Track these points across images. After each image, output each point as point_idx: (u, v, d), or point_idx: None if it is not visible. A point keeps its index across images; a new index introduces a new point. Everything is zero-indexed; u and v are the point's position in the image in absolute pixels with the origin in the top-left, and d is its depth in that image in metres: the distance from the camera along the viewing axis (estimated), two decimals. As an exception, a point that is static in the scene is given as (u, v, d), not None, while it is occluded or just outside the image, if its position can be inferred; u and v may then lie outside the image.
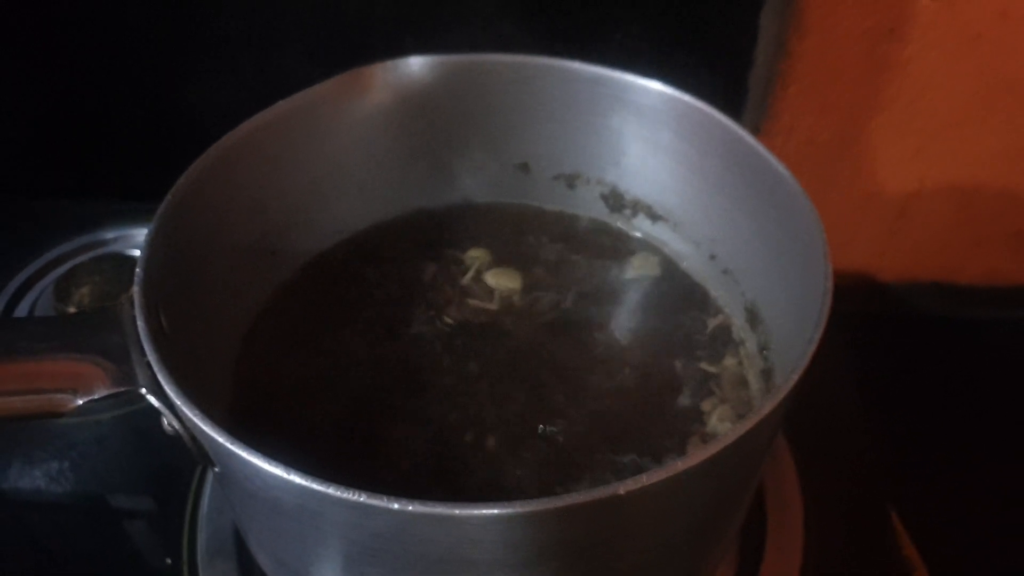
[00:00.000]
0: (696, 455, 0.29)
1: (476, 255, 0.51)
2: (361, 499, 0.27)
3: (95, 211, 0.66)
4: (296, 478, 0.28)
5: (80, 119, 0.68)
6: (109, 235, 0.65)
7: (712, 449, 0.29)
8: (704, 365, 0.45)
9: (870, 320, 0.71)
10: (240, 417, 0.42)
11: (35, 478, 0.50)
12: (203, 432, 0.30)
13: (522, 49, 0.49)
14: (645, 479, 0.28)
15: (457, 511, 0.27)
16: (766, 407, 0.30)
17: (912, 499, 0.50)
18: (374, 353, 0.45)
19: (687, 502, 0.32)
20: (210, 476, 0.49)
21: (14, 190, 0.70)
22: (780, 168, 0.40)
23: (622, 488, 0.27)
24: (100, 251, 0.64)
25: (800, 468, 0.49)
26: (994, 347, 0.74)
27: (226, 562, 0.46)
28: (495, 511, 0.27)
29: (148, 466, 0.51)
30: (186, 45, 0.62)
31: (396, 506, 0.27)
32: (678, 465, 0.28)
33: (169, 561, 0.47)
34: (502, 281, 0.49)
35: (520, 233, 0.52)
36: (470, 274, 0.50)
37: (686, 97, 0.45)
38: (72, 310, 0.60)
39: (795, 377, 0.31)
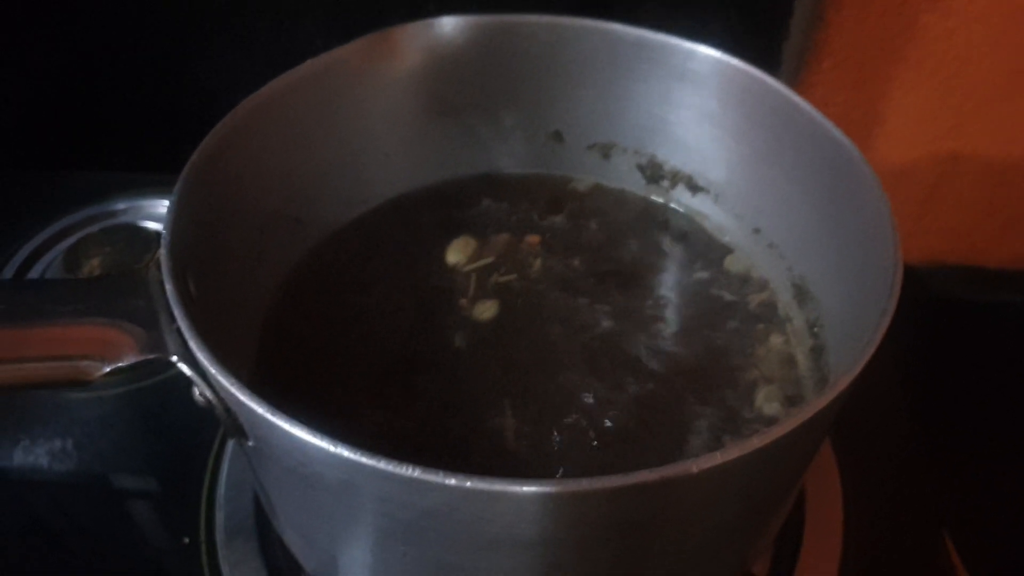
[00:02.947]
0: (770, 432, 0.27)
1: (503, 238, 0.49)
2: (415, 474, 0.25)
3: (105, 181, 0.64)
4: (344, 451, 0.26)
5: (90, 89, 0.66)
6: (120, 206, 0.63)
7: (787, 426, 0.27)
8: (749, 343, 0.43)
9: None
10: (263, 385, 0.40)
11: (38, 456, 0.49)
12: (240, 402, 0.28)
13: (552, 10, 0.47)
14: (720, 456, 0.26)
15: (521, 488, 0.25)
16: (841, 382, 0.28)
17: (956, 507, 0.49)
18: (402, 324, 0.44)
19: (750, 483, 0.30)
20: (227, 454, 0.48)
21: (23, 161, 0.68)
22: (841, 138, 0.38)
23: (695, 466, 0.26)
24: (110, 222, 0.62)
25: (840, 464, 0.47)
26: (1020, 331, 0.72)
27: (246, 542, 0.44)
28: (562, 488, 0.25)
29: (154, 445, 0.50)
30: (199, 12, 0.60)
31: (452, 481, 0.25)
32: (753, 442, 0.26)
33: (187, 540, 0.45)
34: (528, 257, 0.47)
35: (552, 205, 0.50)
36: (499, 248, 0.48)
37: (736, 61, 0.43)
38: (82, 282, 0.58)
39: (870, 351, 0.29)
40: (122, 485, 0.49)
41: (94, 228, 0.61)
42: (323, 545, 0.35)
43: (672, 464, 0.26)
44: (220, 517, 0.46)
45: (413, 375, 0.41)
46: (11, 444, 0.49)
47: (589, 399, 0.40)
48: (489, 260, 0.47)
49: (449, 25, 0.47)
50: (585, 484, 0.25)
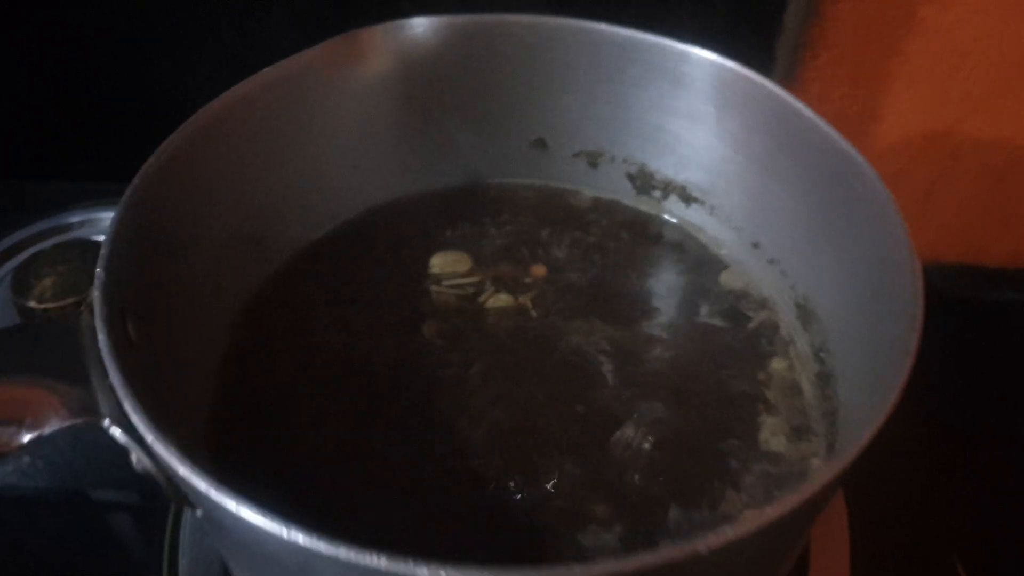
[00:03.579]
0: (785, 502, 0.23)
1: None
2: (381, 564, 0.22)
3: (58, 192, 0.61)
4: (299, 538, 0.22)
5: (41, 90, 0.62)
6: (74, 219, 0.60)
7: (805, 493, 0.24)
8: (749, 370, 0.40)
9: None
10: (223, 432, 0.36)
11: (6, 474, 0.46)
12: (181, 476, 0.24)
13: (533, 10, 0.43)
14: (731, 533, 0.22)
15: (502, 579, 0.22)
16: (864, 437, 0.25)
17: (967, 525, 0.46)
18: (376, 354, 0.40)
19: (759, 551, 0.27)
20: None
21: (-34, 170, 0.63)
22: (849, 149, 0.35)
23: (703, 546, 0.22)
24: (64, 237, 0.59)
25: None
26: (1019, 330, 0.70)
27: (213, 590, 0.41)
28: (550, 578, 0.22)
29: (129, 468, 0.46)
30: (160, 9, 0.57)
31: (424, 572, 0.22)
32: (767, 513, 0.23)
33: (147, 583, 0.42)
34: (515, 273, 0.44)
35: (535, 217, 0.47)
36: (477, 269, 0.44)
37: (733, 65, 0.39)
38: (33, 304, 0.54)
39: (891, 398, 0.26)
40: (92, 505, 0.46)
41: (46, 244, 0.58)
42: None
43: (675, 545, 0.22)
44: (184, 563, 0.42)
45: (395, 422, 0.37)
46: None
47: (579, 439, 0.36)
48: (470, 279, 0.44)
49: (423, 26, 0.43)
50: (578, 572, 0.22)
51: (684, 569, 0.23)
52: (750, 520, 0.23)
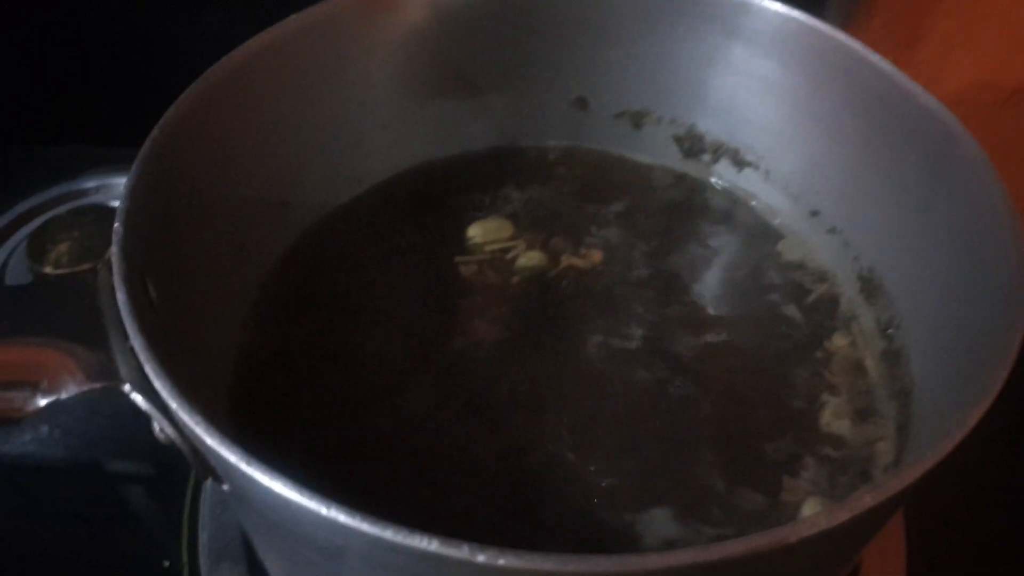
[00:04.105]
0: (878, 491, 0.21)
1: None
2: (431, 547, 0.19)
3: (73, 157, 0.59)
4: (340, 516, 0.20)
5: (55, 54, 0.60)
6: (90, 184, 0.58)
7: (903, 482, 0.21)
8: (808, 348, 0.37)
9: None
10: (244, 399, 0.34)
11: (25, 443, 0.45)
12: (208, 446, 0.22)
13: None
14: (824, 522, 0.20)
15: (567, 567, 0.19)
16: (967, 423, 0.22)
17: None
18: (403, 321, 0.38)
19: (838, 547, 0.25)
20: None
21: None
22: (936, 106, 0.32)
23: (793, 535, 0.20)
24: (79, 202, 0.57)
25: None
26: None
27: (234, 566, 0.39)
28: (621, 567, 0.19)
29: (146, 435, 0.45)
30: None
31: (481, 558, 0.19)
32: (865, 500, 0.20)
33: (167, 563, 0.40)
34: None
35: (575, 182, 0.44)
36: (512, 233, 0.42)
37: (800, 15, 0.36)
38: (49, 270, 0.53)
39: (1001, 375, 0.23)
40: (109, 475, 0.45)
41: (61, 209, 0.56)
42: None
43: (763, 533, 0.20)
44: (204, 537, 0.40)
45: (424, 388, 0.35)
46: None
47: (621, 421, 0.34)
48: (509, 246, 0.41)
49: (457, -24, 0.40)
50: (654, 560, 0.19)
51: (767, 559, 0.21)
52: (851, 505, 0.20)
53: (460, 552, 0.19)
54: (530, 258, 0.40)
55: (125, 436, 0.45)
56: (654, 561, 0.19)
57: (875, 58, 0.34)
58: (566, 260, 0.40)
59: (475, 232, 0.42)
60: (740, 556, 0.19)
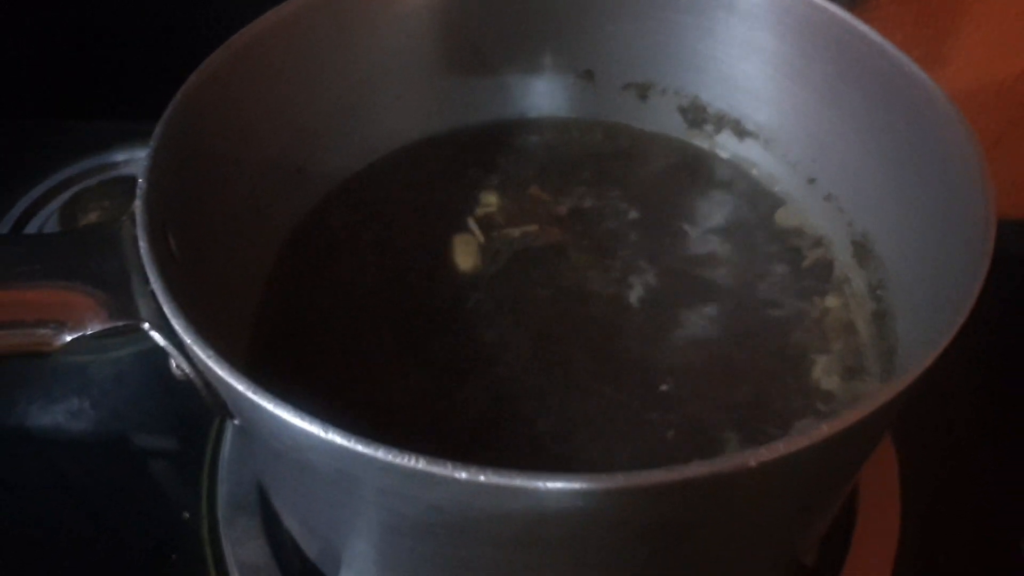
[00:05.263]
0: (839, 421, 0.22)
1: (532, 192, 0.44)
2: (418, 465, 0.21)
3: (103, 132, 0.61)
4: (336, 438, 0.22)
5: (86, 33, 0.62)
6: (119, 157, 0.60)
7: (858, 414, 0.23)
8: (801, 308, 0.38)
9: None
10: (261, 358, 0.36)
11: (56, 415, 0.47)
12: (219, 378, 0.24)
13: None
14: (783, 447, 0.21)
15: (542, 484, 0.21)
16: (925, 361, 0.24)
17: None
18: (415, 290, 0.39)
19: (808, 475, 0.26)
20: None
21: (16, 110, 0.64)
22: (918, 72, 0.33)
23: (754, 459, 0.21)
24: (109, 175, 0.59)
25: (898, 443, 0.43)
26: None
27: (250, 519, 0.41)
28: (595, 485, 0.21)
29: (170, 405, 0.47)
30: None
31: (463, 475, 0.21)
32: (823, 430, 0.22)
33: (187, 515, 0.42)
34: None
35: (582, 152, 0.46)
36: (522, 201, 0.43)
37: (794, -14, 0.37)
38: (80, 239, 0.55)
39: (954, 329, 0.24)
40: (134, 445, 0.47)
41: (92, 181, 0.59)
42: (323, 533, 0.31)
43: (726, 456, 0.21)
44: (222, 491, 0.42)
45: (433, 345, 0.37)
46: (27, 403, 0.47)
47: (626, 371, 0.35)
48: (515, 216, 0.43)
49: (468, -50, 0.42)
50: (622, 480, 0.21)
51: (731, 484, 0.22)
52: (803, 436, 0.22)
53: (444, 469, 0.21)
54: (531, 223, 0.42)
55: (149, 406, 0.47)
56: (621, 480, 0.21)
57: (864, 29, 0.35)
58: (568, 224, 0.42)
59: (487, 199, 0.43)
60: (703, 477, 0.21)
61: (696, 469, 0.21)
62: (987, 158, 0.68)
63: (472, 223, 0.42)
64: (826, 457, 0.24)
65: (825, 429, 0.22)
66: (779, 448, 0.21)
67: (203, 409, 0.43)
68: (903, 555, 0.39)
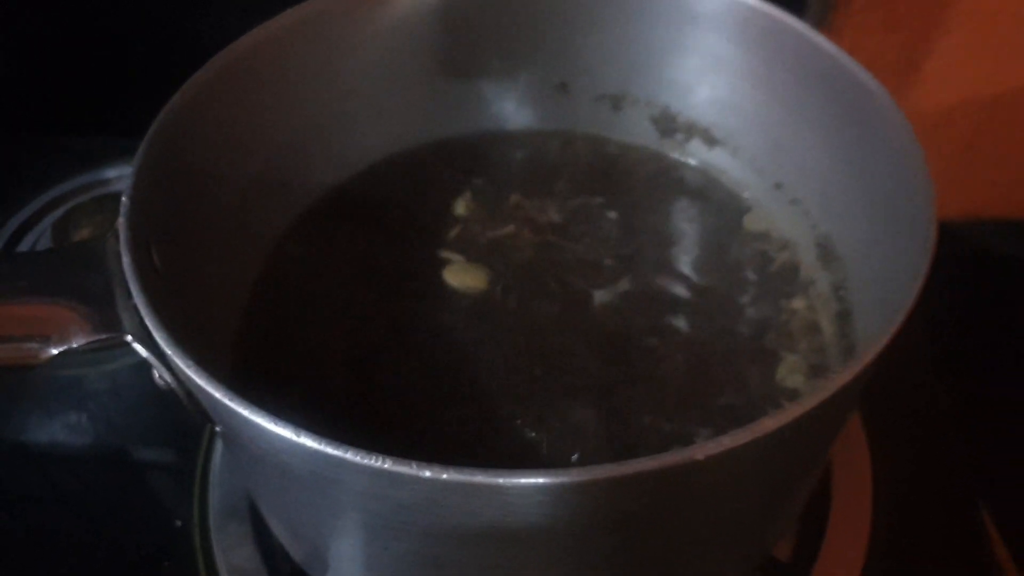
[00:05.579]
0: (783, 415, 0.24)
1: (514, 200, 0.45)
2: (385, 466, 0.23)
3: (96, 148, 0.62)
4: (308, 441, 0.23)
5: (79, 49, 0.63)
6: (111, 174, 0.61)
7: (807, 404, 0.24)
8: (769, 310, 0.39)
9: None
10: (245, 369, 0.37)
11: (54, 430, 0.48)
12: (199, 387, 0.25)
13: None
14: (728, 441, 0.23)
15: (501, 480, 0.22)
16: (868, 355, 0.25)
17: (993, 478, 0.45)
18: (398, 300, 0.41)
19: (767, 467, 0.27)
20: (221, 431, 0.45)
21: (9, 126, 0.65)
22: (870, 82, 0.34)
23: (700, 452, 0.22)
24: (102, 191, 0.60)
25: (869, 432, 0.44)
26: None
27: (240, 525, 0.42)
28: (549, 480, 0.22)
29: (163, 416, 0.48)
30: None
31: (427, 474, 0.22)
32: (766, 424, 0.23)
33: (179, 523, 0.43)
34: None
35: (559, 162, 0.47)
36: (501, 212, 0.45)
37: (751, 0, 0.38)
38: (73, 254, 0.56)
39: (899, 318, 0.26)
40: (131, 458, 0.48)
41: (85, 197, 0.59)
42: (308, 537, 0.32)
43: (674, 451, 0.23)
44: (214, 497, 0.44)
45: (416, 355, 0.38)
46: (23, 415, 0.48)
47: (594, 374, 0.36)
48: (496, 225, 0.44)
49: (443, -31, 0.43)
50: (576, 475, 0.22)
51: (683, 477, 0.24)
52: (745, 431, 0.23)
53: (409, 469, 0.22)
54: (510, 231, 0.43)
55: (146, 420, 0.48)
56: (575, 475, 0.22)
57: (819, 39, 0.36)
58: (546, 232, 0.43)
59: (461, 207, 0.44)
60: (651, 471, 0.22)
61: (645, 464, 0.22)
62: (961, 159, 0.69)
63: (453, 233, 0.44)
64: (776, 452, 0.26)
65: (767, 424, 0.23)
66: (724, 442, 0.23)
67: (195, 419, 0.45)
68: (874, 548, 0.41)
